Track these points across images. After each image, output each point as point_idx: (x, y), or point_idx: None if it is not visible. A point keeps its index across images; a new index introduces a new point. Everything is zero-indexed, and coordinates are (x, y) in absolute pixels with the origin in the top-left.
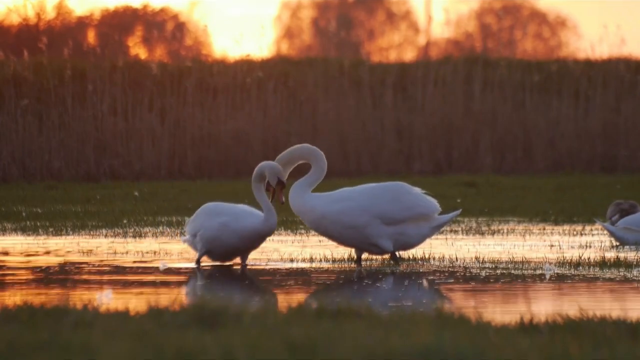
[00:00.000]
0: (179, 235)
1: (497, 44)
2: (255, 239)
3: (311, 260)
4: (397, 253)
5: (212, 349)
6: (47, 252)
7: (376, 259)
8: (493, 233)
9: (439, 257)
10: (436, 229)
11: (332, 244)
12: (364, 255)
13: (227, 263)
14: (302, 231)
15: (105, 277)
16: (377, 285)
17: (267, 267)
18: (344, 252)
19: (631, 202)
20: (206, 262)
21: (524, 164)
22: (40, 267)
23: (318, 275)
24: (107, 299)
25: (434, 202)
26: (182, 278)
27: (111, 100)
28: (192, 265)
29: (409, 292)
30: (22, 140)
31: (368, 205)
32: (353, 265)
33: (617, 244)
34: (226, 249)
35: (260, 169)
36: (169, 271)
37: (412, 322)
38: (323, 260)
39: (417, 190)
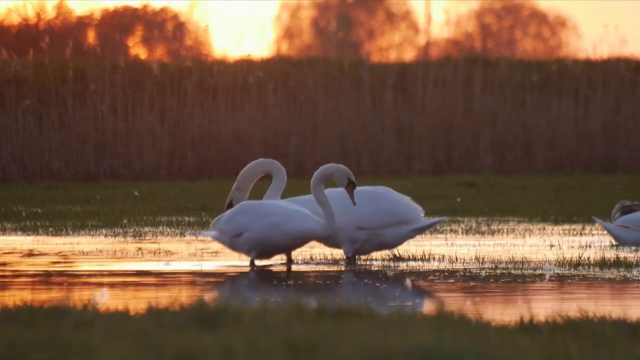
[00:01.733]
0: (178, 235)
1: (497, 44)
2: (308, 241)
3: (311, 259)
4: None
5: (212, 349)
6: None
7: (376, 259)
8: (493, 233)
9: (439, 257)
10: (417, 232)
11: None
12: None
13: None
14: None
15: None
16: (377, 285)
17: (267, 266)
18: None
19: (636, 202)
20: (231, 259)
21: (524, 164)
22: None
23: (318, 275)
24: (103, 299)
25: (414, 209)
26: (225, 278)
27: (111, 100)
28: (236, 263)
29: (409, 292)
30: (22, 140)
31: (344, 211)
32: (354, 265)
33: (616, 243)
34: (274, 249)
35: (326, 170)
36: (213, 273)
37: (412, 322)
38: (323, 260)
39: (399, 196)
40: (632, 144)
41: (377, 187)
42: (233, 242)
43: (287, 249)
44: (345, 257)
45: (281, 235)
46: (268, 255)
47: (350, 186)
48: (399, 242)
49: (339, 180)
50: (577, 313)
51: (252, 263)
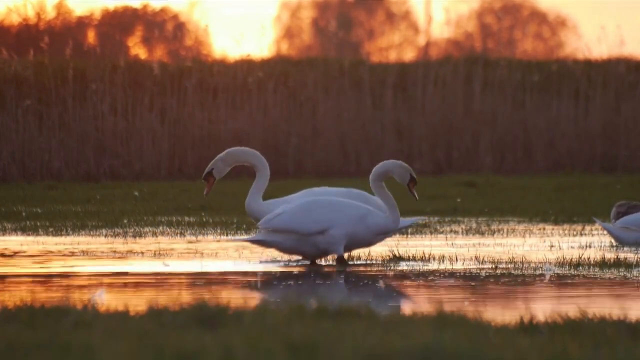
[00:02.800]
0: (179, 235)
1: (497, 44)
2: (380, 236)
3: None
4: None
5: (212, 349)
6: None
7: (376, 260)
8: (493, 233)
9: (439, 257)
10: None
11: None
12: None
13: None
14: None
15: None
16: (377, 285)
17: (267, 266)
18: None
19: (633, 203)
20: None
21: (524, 164)
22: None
23: (318, 274)
24: (100, 299)
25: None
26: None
27: (111, 100)
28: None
29: (409, 292)
30: (22, 140)
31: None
32: (355, 265)
33: (617, 243)
34: (354, 246)
35: (386, 167)
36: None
37: (412, 322)
38: (323, 260)
39: (376, 199)
40: (632, 144)
41: (351, 189)
42: (305, 241)
43: (364, 246)
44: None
45: (366, 229)
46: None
47: (412, 182)
48: (375, 242)
49: (400, 176)
50: (577, 313)
51: (341, 260)
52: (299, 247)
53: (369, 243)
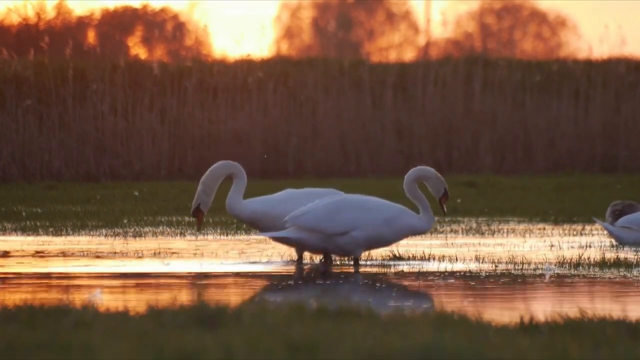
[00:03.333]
0: (179, 235)
1: (497, 44)
2: (411, 236)
3: (311, 259)
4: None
5: (212, 349)
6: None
7: (376, 259)
8: (493, 233)
9: (439, 257)
10: None
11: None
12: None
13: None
14: None
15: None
16: (376, 285)
17: (267, 266)
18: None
19: (628, 203)
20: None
21: (524, 164)
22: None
23: (317, 274)
24: (97, 299)
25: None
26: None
27: (111, 100)
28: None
29: (409, 292)
30: (22, 140)
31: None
32: (352, 266)
33: (617, 243)
34: (379, 246)
35: (425, 172)
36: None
37: (411, 322)
38: (323, 260)
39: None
40: (632, 144)
41: (327, 189)
42: (329, 240)
43: (387, 246)
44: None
45: (393, 231)
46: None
47: (444, 197)
48: (400, 240)
49: (435, 187)
50: (577, 313)
51: (358, 262)
52: (322, 246)
53: (395, 242)
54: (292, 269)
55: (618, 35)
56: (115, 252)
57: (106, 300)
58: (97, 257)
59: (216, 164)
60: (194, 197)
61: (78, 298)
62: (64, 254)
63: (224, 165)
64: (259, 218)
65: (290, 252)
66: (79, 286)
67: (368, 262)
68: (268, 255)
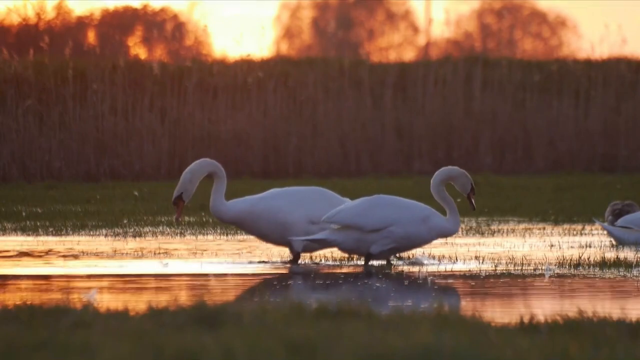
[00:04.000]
0: (179, 235)
1: (497, 43)
2: (436, 238)
3: (311, 259)
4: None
5: (212, 349)
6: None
7: (375, 261)
8: (493, 233)
9: (439, 257)
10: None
11: None
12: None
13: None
14: None
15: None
16: (377, 285)
17: (268, 267)
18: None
19: (627, 202)
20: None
21: (524, 164)
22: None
23: (318, 274)
24: (92, 299)
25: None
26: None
27: (111, 100)
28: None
29: (409, 292)
30: (22, 140)
31: (296, 207)
32: (359, 265)
33: (617, 244)
34: (412, 246)
35: (451, 172)
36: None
37: (411, 322)
38: (322, 259)
39: (340, 198)
40: (632, 144)
41: (315, 187)
42: (364, 240)
43: (418, 247)
44: (292, 254)
45: (428, 230)
46: (388, 254)
47: (472, 192)
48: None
49: (462, 185)
50: (577, 313)
51: (389, 262)
52: (358, 248)
53: (426, 244)
54: (292, 267)
55: (618, 35)
56: (115, 252)
57: (102, 300)
58: (97, 257)
59: (198, 161)
60: (177, 186)
61: (77, 298)
62: (63, 254)
63: (207, 163)
64: (244, 217)
65: (286, 252)
66: (78, 286)
67: (368, 263)
68: (268, 255)
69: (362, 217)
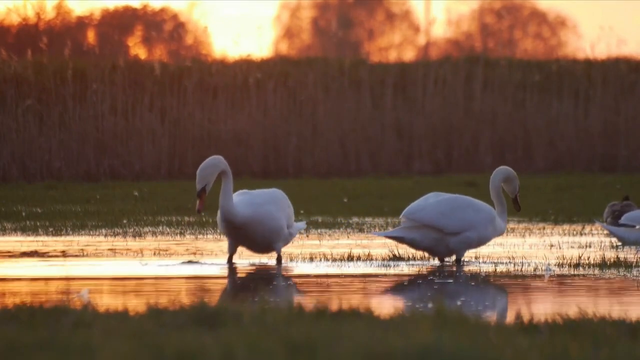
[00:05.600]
0: (179, 235)
1: (497, 43)
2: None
3: (311, 259)
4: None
5: (212, 349)
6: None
7: (375, 259)
8: None
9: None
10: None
11: (330, 243)
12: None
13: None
14: (301, 231)
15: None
16: (377, 285)
17: (267, 266)
18: (344, 251)
19: (625, 203)
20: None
21: (524, 163)
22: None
23: (318, 274)
24: (84, 298)
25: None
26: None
27: (111, 100)
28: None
29: (408, 292)
30: (22, 140)
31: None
32: (354, 264)
33: (620, 244)
34: (477, 247)
35: (509, 174)
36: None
37: (411, 322)
38: (322, 259)
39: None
40: (632, 144)
41: (275, 189)
42: (441, 240)
43: (480, 247)
44: (277, 256)
45: (493, 231)
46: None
47: (517, 195)
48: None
49: (513, 187)
50: (577, 313)
51: (461, 262)
52: (434, 247)
53: (485, 245)
54: (292, 267)
55: (618, 35)
56: (114, 252)
57: (91, 299)
58: (96, 257)
59: (213, 157)
60: (197, 180)
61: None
62: (63, 254)
63: (221, 160)
64: (252, 220)
65: (290, 252)
66: (77, 287)
67: (368, 263)
68: (266, 255)
69: (444, 218)
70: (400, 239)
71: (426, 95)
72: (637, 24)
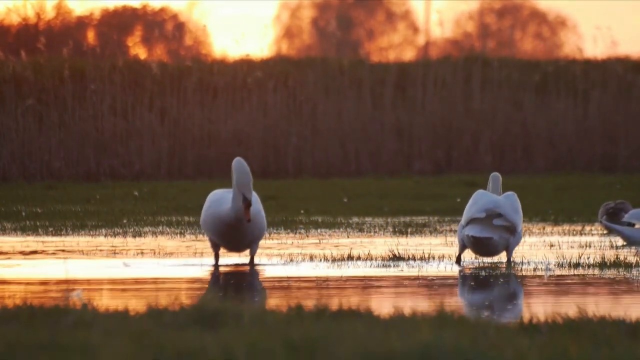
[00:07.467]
0: (179, 235)
1: (497, 43)
2: None
3: (311, 259)
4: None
5: (212, 349)
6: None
7: (375, 259)
8: None
9: (439, 257)
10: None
11: (330, 243)
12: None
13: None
14: (302, 231)
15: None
16: (377, 285)
17: (267, 267)
18: (344, 251)
19: (620, 202)
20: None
21: (523, 163)
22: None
23: (318, 274)
24: (77, 298)
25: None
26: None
27: (111, 100)
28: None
29: (408, 292)
30: (22, 140)
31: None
32: (354, 264)
33: (625, 243)
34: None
35: (499, 178)
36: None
37: (412, 322)
38: (323, 259)
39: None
40: (632, 144)
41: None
42: (506, 237)
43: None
44: (252, 255)
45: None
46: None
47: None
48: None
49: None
50: (577, 313)
51: (511, 261)
52: (499, 247)
53: None
54: (293, 267)
55: (618, 35)
56: (115, 252)
57: (84, 298)
58: (96, 256)
59: (243, 164)
60: (245, 190)
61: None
62: (63, 254)
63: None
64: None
65: (291, 252)
66: (76, 286)
67: (368, 263)
68: (267, 255)
69: (518, 216)
70: (488, 240)
71: (426, 95)
72: (637, 24)
